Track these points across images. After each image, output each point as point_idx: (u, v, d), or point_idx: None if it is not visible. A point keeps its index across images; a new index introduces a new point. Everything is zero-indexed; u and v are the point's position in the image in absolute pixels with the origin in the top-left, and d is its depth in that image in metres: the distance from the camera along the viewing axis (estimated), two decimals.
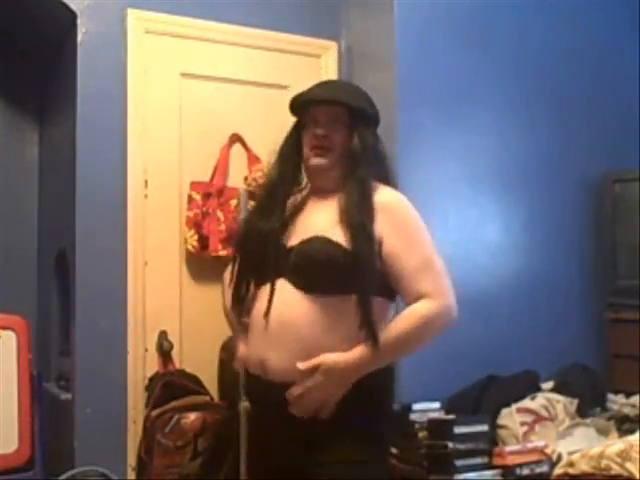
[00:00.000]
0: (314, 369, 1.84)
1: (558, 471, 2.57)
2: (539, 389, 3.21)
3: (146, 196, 3.17)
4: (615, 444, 2.51)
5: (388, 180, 2.02)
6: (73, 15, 3.12)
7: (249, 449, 2.22)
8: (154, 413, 2.98)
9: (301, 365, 1.84)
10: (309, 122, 2.01)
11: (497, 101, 3.43)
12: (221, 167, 3.29)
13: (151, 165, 3.18)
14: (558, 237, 3.52)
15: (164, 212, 3.20)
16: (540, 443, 2.87)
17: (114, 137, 3.12)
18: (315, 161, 1.99)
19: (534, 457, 2.81)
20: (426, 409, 2.94)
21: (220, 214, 3.22)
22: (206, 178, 3.27)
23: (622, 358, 3.43)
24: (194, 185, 3.23)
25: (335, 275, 1.85)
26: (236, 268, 2.04)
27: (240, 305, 2.04)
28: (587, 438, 2.94)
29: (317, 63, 3.52)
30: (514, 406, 3.03)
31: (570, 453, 2.68)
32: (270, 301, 1.90)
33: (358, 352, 1.84)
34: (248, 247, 2.02)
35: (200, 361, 3.20)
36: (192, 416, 2.93)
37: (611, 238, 3.52)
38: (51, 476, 2.91)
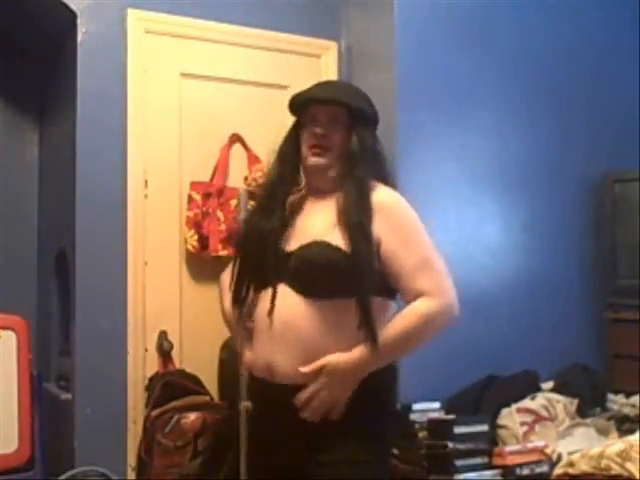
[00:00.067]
0: (318, 371, 1.85)
1: (558, 471, 2.57)
2: (539, 389, 3.21)
3: (146, 196, 3.17)
4: (615, 444, 2.51)
5: (387, 180, 2.01)
6: (73, 15, 3.11)
7: (250, 450, 2.22)
8: (154, 413, 2.98)
9: (304, 369, 1.85)
10: (308, 122, 2.01)
11: (497, 101, 3.43)
12: (221, 167, 3.29)
13: (151, 165, 3.18)
14: (558, 237, 3.52)
15: (164, 212, 3.20)
16: (540, 443, 2.87)
17: (114, 137, 3.12)
18: (313, 160, 1.99)
19: (534, 457, 2.81)
20: (426, 409, 2.94)
21: (220, 214, 3.22)
22: (206, 178, 3.27)
23: (622, 358, 3.43)
24: (194, 185, 3.23)
25: (335, 279, 1.86)
26: (236, 269, 2.04)
27: (240, 306, 2.04)
28: (587, 438, 2.94)
29: (317, 63, 3.52)
30: (514, 406, 3.03)
31: (570, 453, 2.68)
32: (272, 303, 1.91)
33: (358, 352, 1.85)
34: (248, 248, 2.02)
35: (200, 361, 3.20)
36: (192, 416, 2.93)
37: (611, 238, 3.52)
38: (51, 476, 2.91)
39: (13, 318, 2.88)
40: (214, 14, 3.31)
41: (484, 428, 2.89)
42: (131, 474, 3.05)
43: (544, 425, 3.01)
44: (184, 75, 3.28)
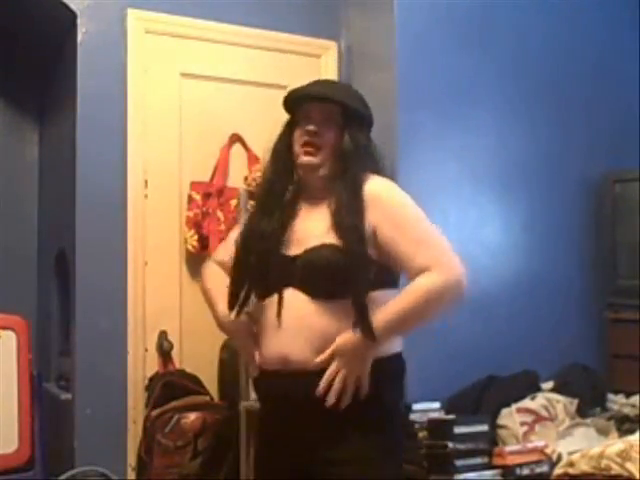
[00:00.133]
0: (331, 357, 1.85)
1: (558, 471, 2.57)
2: (539, 389, 3.21)
3: (146, 196, 3.17)
4: (615, 444, 2.50)
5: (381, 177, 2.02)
6: (73, 15, 3.12)
7: (258, 449, 2.21)
8: (154, 413, 2.98)
9: (318, 359, 1.85)
10: (301, 119, 2.01)
11: (497, 101, 3.43)
12: (221, 167, 3.29)
13: (151, 165, 3.18)
14: (558, 237, 3.51)
15: (164, 212, 3.20)
16: (540, 443, 2.87)
17: (114, 137, 3.12)
18: (305, 159, 1.99)
19: (534, 457, 2.81)
20: (426, 409, 2.94)
21: (220, 214, 3.22)
22: (206, 178, 3.27)
23: (622, 358, 3.43)
24: (194, 185, 3.23)
25: (342, 280, 1.86)
26: (236, 272, 2.03)
27: (239, 311, 2.03)
28: (587, 438, 2.94)
29: (317, 63, 3.52)
30: (514, 406, 3.03)
31: (570, 453, 2.67)
32: (280, 304, 1.91)
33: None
34: (249, 252, 2.01)
35: (200, 361, 3.20)
36: (192, 416, 2.93)
37: (611, 238, 3.52)
38: (51, 476, 2.91)
39: (13, 318, 2.88)
40: (214, 14, 3.31)
41: (484, 428, 2.89)
42: (131, 474, 3.05)
43: (544, 425, 3.01)
44: (184, 75, 3.28)
